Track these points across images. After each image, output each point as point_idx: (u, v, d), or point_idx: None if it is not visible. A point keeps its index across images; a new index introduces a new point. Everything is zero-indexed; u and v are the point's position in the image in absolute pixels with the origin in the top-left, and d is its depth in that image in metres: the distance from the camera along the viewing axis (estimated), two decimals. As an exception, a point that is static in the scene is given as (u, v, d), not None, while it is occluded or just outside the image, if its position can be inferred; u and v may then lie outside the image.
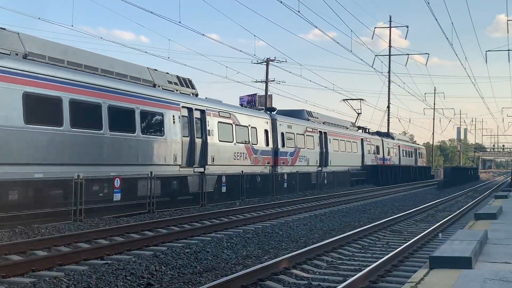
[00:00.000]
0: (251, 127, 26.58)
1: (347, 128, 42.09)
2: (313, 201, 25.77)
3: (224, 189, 23.35)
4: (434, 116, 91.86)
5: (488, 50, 78.93)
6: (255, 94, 50.33)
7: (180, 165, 20.65)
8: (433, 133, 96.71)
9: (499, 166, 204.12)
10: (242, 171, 24.62)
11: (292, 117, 32.20)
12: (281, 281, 8.92)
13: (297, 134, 31.63)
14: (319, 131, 35.29)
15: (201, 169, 21.99)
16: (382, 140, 50.05)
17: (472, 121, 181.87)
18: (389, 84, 61.29)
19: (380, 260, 9.89)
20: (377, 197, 30.88)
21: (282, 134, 29.62)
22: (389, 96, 61.24)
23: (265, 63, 48.75)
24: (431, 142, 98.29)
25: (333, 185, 35.77)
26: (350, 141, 40.81)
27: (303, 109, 35.67)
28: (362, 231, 14.54)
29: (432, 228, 15.24)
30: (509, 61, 46.13)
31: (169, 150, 20.06)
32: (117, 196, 16.90)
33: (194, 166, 21.62)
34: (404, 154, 58.05)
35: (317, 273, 9.83)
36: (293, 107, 42.71)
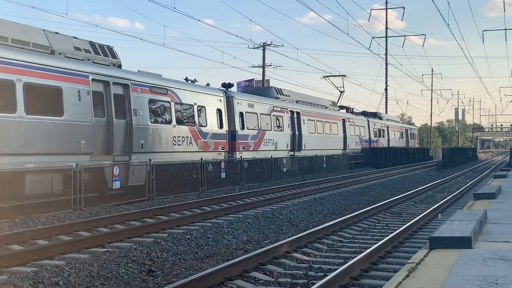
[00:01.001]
0: (198, 106, 22.21)
1: (326, 108, 38.11)
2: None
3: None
4: (431, 97, 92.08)
5: (485, 30, 78.86)
6: (253, 79, 50.21)
7: (91, 153, 16.53)
8: (431, 114, 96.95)
9: (498, 146, 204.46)
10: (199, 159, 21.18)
11: (257, 95, 28.61)
12: (282, 265, 8.96)
13: (261, 114, 27.46)
14: (291, 110, 30.97)
15: (126, 158, 17.89)
16: (368, 121, 46.13)
17: (470, 101, 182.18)
18: (386, 66, 61.27)
19: (380, 242, 9.93)
20: (376, 179, 30.93)
21: (241, 114, 25.58)
22: (386, 78, 61.25)
23: (262, 48, 48.61)
24: (429, 124, 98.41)
25: (314, 170, 32.38)
26: (329, 122, 36.76)
27: (271, 86, 31.33)
28: (362, 214, 14.59)
29: (431, 209, 15.30)
30: (506, 40, 46.06)
31: (72, 134, 15.89)
32: (116, 184, 16.88)
33: (115, 154, 17.39)
34: (394, 135, 54.33)
35: (318, 256, 9.88)
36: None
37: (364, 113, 47.47)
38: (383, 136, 50.33)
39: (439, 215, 14.58)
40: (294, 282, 7.83)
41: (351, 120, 41.46)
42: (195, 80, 23.79)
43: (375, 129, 47.71)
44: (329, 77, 43.13)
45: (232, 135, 24.76)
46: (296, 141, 31.43)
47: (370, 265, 8.69)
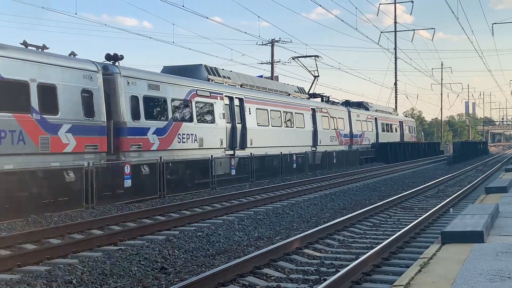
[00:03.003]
0: (41, 83, 14.81)
1: (289, 95, 31.55)
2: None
3: None
4: (441, 91, 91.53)
5: (495, 23, 78.20)
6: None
7: None
8: (441, 109, 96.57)
9: (509, 139, 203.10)
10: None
11: (177, 75, 21.68)
12: (293, 261, 8.97)
13: (174, 99, 20.19)
14: (228, 96, 23.88)
15: None
16: (349, 112, 39.02)
17: (480, 95, 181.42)
18: (395, 60, 60.98)
19: (392, 237, 9.91)
20: (386, 174, 30.84)
21: (135, 99, 18.25)
22: (396, 72, 60.96)
23: (270, 45, 48.57)
24: (439, 118, 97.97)
25: (269, 174, 26.01)
26: (291, 112, 29.62)
27: (200, 63, 24.08)
28: (373, 209, 14.56)
29: (443, 203, 15.24)
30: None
31: None
32: (127, 183, 16.95)
33: None
34: (385, 129, 47.15)
35: (329, 252, 9.88)
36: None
37: (346, 103, 41.08)
38: (371, 130, 43.47)
39: (451, 209, 14.54)
40: (306, 278, 7.84)
41: (323, 110, 34.35)
42: (44, 46, 16.09)
43: (359, 121, 40.84)
44: (299, 58, 37.31)
45: (117, 129, 17.51)
46: (238, 137, 24.32)
47: (382, 261, 8.68)
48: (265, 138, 26.44)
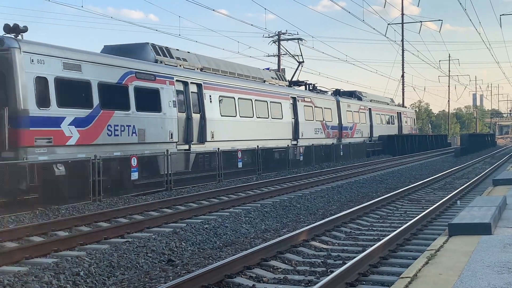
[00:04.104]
0: None
1: (264, 82, 27.84)
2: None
3: None
4: (449, 83, 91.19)
5: (502, 14, 77.67)
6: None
7: None
8: (448, 101, 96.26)
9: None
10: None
11: (115, 56, 18.18)
12: (300, 253, 8.97)
13: (103, 83, 16.48)
14: (180, 80, 20.08)
15: None
16: (338, 102, 35.60)
17: (488, 87, 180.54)
18: (402, 52, 60.71)
19: (399, 229, 9.89)
20: (394, 166, 30.78)
21: (43, 82, 14.77)
22: (403, 65, 60.71)
23: (277, 37, 48.43)
24: (447, 110, 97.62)
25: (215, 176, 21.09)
26: (265, 101, 26.01)
27: (147, 42, 20.43)
28: (380, 201, 14.54)
29: (450, 195, 15.20)
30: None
31: None
32: (134, 175, 16.96)
33: None
34: (380, 120, 43.86)
35: (336, 244, 9.88)
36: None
37: (336, 92, 37.78)
38: (364, 121, 40.23)
39: (458, 201, 14.50)
40: (313, 270, 7.83)
41: (306, 99, 30.79)
42: None
43: (350, 112, 37.49)
44: (280, 42, 33.88)
45: (13, 118, 13.98)
46: (194, 129, 20.78)
47: (389, 253, 8.67)
48: (231, 131, 22.96)
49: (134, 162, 16.95)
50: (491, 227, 7.58)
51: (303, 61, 34.63)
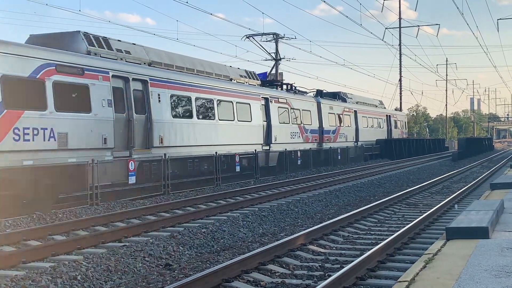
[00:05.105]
0: None
1: (231, 80, 24.72)
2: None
3: None
4: (446, 88, 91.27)
5: (500, 19, 77.83)
6: (265, 72, 50.02)
7: None
8: (446, 105, 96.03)
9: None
10: None
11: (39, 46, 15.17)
12: (298, 257, 8.96)
13: (8, 77, 13.41)
14: (118, 76, 17.10)
15: None
16: (319, 103, 32.48)
17: (485, 91, 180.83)
18: (400, 57, 60.82)
19: (397, 233, 9.89)
20: (391, 170, 30.80)
21: None
22: (400, 69, 60.81)
23: (274, 41, 48.42)
24: (444, 114, 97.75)
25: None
26: (230, 102, 23.08)
27: (78, 30, 17.38)
28: (378, 205, 14.54)
29: (447, 199, 15.20)
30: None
31: None
32: (132, 179, 16.92)
33: None
34: (367, 124, 40.82)
35: (334, 248, 9.87)
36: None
37: (318, 93, 34.68)
38: (348, 125, 37.07)
39: (456, 205, 14.51)
40: (310, 274, 7.83)
41: (281, 100, 27.71)
42: None
43: (333, 115, 34.59)
44: (254, 37, 31.28)
45: None
46: (136, 133, 17.60)
47: (386, 257, 8.66)
48: (186, 135, 20.06)
49: (131, 166, 16.90)
50: (488, 231, 7.59)
51: (279, 59, 31.25)
